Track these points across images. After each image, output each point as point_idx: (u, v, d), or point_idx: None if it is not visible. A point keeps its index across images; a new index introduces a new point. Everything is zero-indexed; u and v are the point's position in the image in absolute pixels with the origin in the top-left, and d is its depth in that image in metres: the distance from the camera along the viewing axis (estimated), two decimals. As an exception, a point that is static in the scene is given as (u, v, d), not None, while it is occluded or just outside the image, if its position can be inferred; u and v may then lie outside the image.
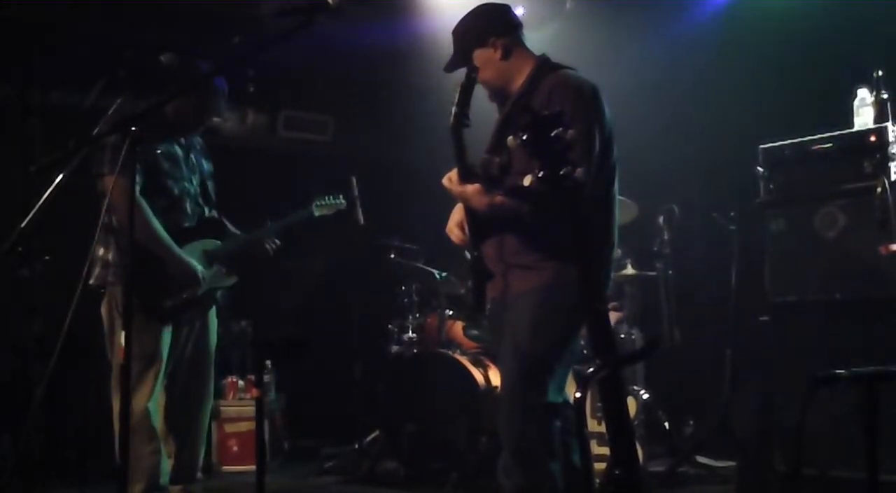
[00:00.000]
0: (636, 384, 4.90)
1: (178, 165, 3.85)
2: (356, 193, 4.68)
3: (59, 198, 2.62)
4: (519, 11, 3.65)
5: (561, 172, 2.05)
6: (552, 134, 2.07)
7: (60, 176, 2.63)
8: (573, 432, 2.96)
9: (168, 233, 3.72)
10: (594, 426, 4.27)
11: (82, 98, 5.55)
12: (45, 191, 2.59)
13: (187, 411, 3.89)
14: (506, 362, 3.02)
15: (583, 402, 2.78)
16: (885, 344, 3.59)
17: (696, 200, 5.51)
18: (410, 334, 5.32)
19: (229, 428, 5.47)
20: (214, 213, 4.02)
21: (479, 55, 3.06)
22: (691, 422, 5.46)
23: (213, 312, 3.99)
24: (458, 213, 3.13)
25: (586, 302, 2.09)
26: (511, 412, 2.97)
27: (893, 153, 3.81)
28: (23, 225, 2.64)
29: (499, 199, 2.86)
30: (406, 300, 5.42)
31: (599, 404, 3.91)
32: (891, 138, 3.82)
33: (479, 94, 3.04)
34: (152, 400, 3.70)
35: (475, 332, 5.18)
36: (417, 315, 5.38)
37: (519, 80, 3.07)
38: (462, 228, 3.10)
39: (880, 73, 3.93)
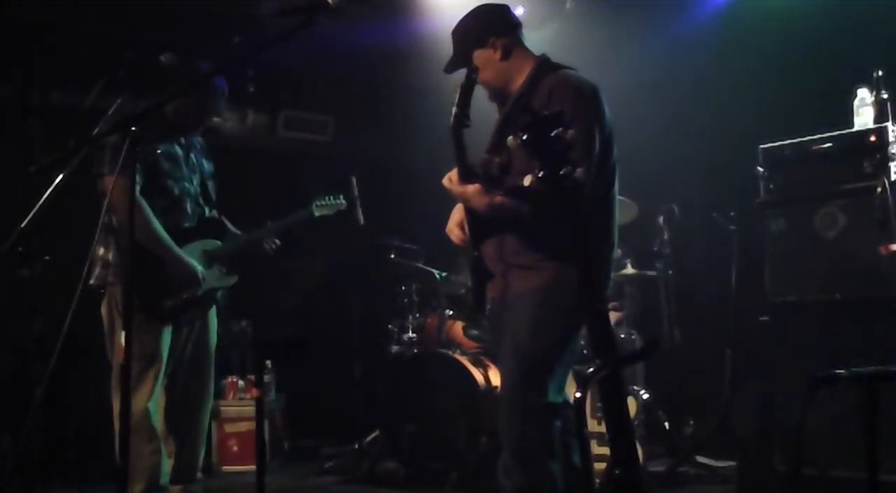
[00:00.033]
0: (636, 384, 4.90)
1: (179, 165, 3.85)
2: (356, 193, 4.68)
3: (59, 198, 2.62)
4: (519, 11, 3.66)
5: (561, 172, 2.05)
6: (552, 134, 2.06)
7: (60, 176, 2.63)
8: (573, 432, 2.95)
9: (168, 233, 3.72)
10: (594, 426, 4.27)
11: (82, 98, 5.54)
12: (45, 191, 2.59)
13: (187, 411, 3.90)
14: (506, 362, 3.02)
15: (583, 402, 2.78)
16: (885, 344, 3.59)
17: (696, 200, 5.52)
18: (410, 334, 5.32)
19: (229, 428, 5.47)
20: (215, 213, 4.02)
21: (479, 55, 3.06)
22: (691, 422, 5.46)
23: (213, 312, 3.99)
24: (458, 213, 3.14)
25: (586, 302, 2.09)
26: (511, 412, 2.97)
27: (893, 153, 3.80)
28: (23, 225, 2.64)
29: (499, 199, 2.86)
30: (406, 300, 5.41)
31: (599, 404, 3.90)
32: (891, 138, 3.82)
33: (479, 94, 3.03)
34: (152, 400, 3.70)
35: (475, 332, 5.17)
36: (417, 315, 5.38)
37: (519, 81, 3.06)
38: (462, 228, 3.10)
39: (880, 73, 3.92)
